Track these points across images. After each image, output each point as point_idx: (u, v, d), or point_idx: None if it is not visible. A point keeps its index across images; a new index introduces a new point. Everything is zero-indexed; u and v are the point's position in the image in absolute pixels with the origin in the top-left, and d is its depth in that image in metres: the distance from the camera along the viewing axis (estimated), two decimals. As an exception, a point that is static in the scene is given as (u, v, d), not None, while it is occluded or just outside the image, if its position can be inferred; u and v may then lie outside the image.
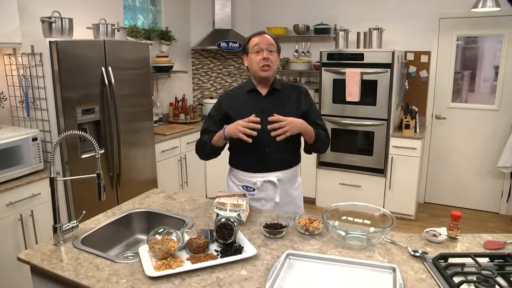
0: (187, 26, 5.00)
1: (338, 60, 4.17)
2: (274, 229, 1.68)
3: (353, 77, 4.06)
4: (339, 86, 4.19)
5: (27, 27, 2.88)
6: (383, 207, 1.97)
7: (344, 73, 4.11)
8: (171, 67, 4.44)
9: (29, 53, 2.76)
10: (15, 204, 2.52)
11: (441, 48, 4.35)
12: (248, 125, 1.84)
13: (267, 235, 1.69)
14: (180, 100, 4.74)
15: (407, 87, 4.44)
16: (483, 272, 1.34)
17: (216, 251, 1.54)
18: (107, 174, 3.14)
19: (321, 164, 4.45)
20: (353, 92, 4.09)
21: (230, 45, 4.76)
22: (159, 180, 3.71)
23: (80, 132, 1.69)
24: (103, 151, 3.09)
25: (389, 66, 3.94)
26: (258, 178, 2.04)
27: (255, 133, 1.84)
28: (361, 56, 4.05)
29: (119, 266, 1.47)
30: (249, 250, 1.52)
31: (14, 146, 2.60)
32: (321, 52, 4.26)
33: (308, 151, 2.13)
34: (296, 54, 5.01)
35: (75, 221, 1.71)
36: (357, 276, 1.38)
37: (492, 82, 4.25)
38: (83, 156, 2.93)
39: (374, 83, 4.04)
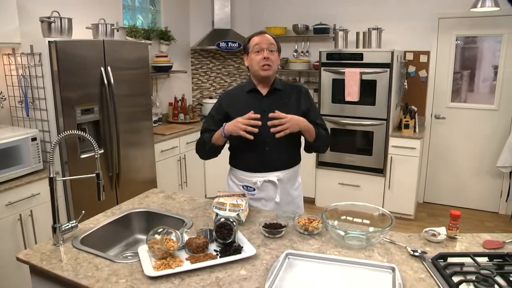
0: (187, 26, 5.00)
1: (338, 60, 4.17)
2: (273, 229, 1.69)
3: (352, 77, 4.06)
4: (338, 86, 4.19)
5: (26, 27, 2.88)
6: (382, 207, 1.97)
7: (344, 73, 4.11)
8: (171, 67, 4.44)
9: (28, 53, 2.76)
10: (14, 204, 2.52)
11: (440, 48, 4.35)
12: (249, 122, 1.84)
13: (267, 235, 1.69)
14: (180, 100, 4.74)
15: (406, 87, 4.44)
16: (482, 271, 1.34)
17: (215, 251, 1.54)
18: (106, 174, 3.14)
19: (320, 164, 4.45)
20: (352, 92, 4.09)
21: (229, 45, 4.76)
22: (159, 180, 3.71)
23: (80, 132, 1.69)
24: (102, 151, 3.09)
25: (388, 66, 3.95)
26: (258, 178, 2.04)
27: (256, 129, 1.85)
28: (360, 56, 4.06)
29: (119, 266, 1.47)
30: (248, 250, 1.53)
31: (14, 146, 2.60)
32: (320, 52, 4.26)
33: (308, 149, 2.13)
34: (295, 54, 5.02)
35: (74, 221, 1.71)
36: (356, 275, 1.38)
37: (491, 82, 4.25)
38: (83, 156, 2.93)
39: (373, 83, 4.04)
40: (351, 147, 4.28)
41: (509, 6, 3.86)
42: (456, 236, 1.65)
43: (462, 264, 1.43)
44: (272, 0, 5.07)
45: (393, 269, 1.38)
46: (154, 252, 1.48)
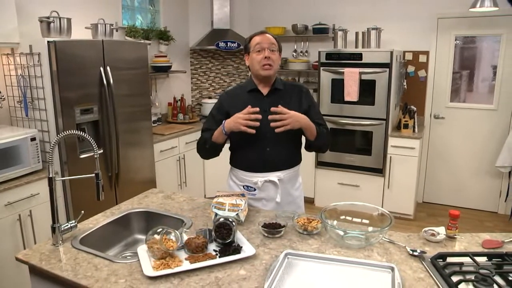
0: (186, 26, 5.00)
1: (337, 60, 4.17)
2: (272, 229, 1.69)
3: (351, 77, 4.06)
4: (337, 86, 4.19)
5: (25, 27, 2.88)
6: (382, 207, 1.97)
7: (343, 73, 4.11)
8: (170, 67, 4.43)
9: (28, 53, 2.76)
10: (13, 204, 2.51)
11: (439, 48, 4.35)
12: (249, 117, 1.84)
13: (266, 234, 1.69)
14: (179, 100, 4.74)
15: (405, 86, 4.44)
16: (481, 271, 1.34)
17: (214, 250, 1.54)
18: (105, 174, 3.13)
19: (319, 164, 4.45)
20: (351, 91, 4.09)
21: (228, 45, 4.76)
22: (158, 180, 3.71)
23: (79, 132, 1.69)
24: (101, 151, 3.09)
25: (387, 66, 3.95)
26: (259, 178, 2.04)
27: (257, 123, 1.85)
28: (359, 56, 4.06)
29: (118, 266, 1.47)
30: (247, 249, 1.53)
31: (13, 146, 2.59)
32: (319, 52, 4.26)
33: (309, 148, 2.12)
34: (294, 54, 5.02)
35: (73, 221, 1.71)
36: (355, 275, 1.38)
37: (490, 82, 4.26)
38: (82, 156, 2.93)
39: (372, 83, 4.04)
40: (350, 147, 4.28)
41: (509, 6, 3.86)
42: (455, 236, 1.65)
43: (461, 264, 1.43)
44: (271, 0, 5.07)
45: (392, 269, 1.38)
46: (153, 252, 1.48)
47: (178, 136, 4.10)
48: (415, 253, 1.52)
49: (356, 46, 4.32)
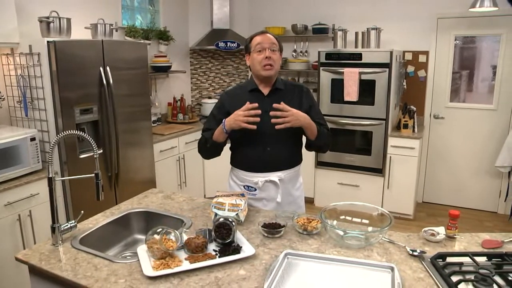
0: (185, 26, 5.00)
1: (336, 60, 4.17)
2: (272, 229, 1.69)
3: (351, 77, 4.06)
4: (337, 86, 4.19)
5: (25, 27, 2.88)
6: (382, 207, 1.97)
7: (342, 73, 4.11)
8: (169, 67, 4.43)
9: (27, 53, 2.76)
10: (13, 204, 2.51)
11: (439, 48, 4.35)
12: (249, 113, 1.84)
13: (266, 234, 1.69)
14: (179, 100, 4.74)
15: (405, 86, 4.44)
16: (481, 271, 1.34)
17: (214, 250, 1.54)
18: (105, 174, 3.13)
19: (319, 164, 4.45)
20: (351, 91, 4.09)
21: (228, 45, 4.76)
22: (158, 180, 3.71)
23: (78, 132, 1.69)
24: (101, 151, 3.09)
25: (387, 65, 3.95)
26: (259, 178, 2.04)
27: (257, 119, 1.85)
28: (359, 56, 4.06)
29: (118, 266, 1.47)
30: (247, 249, 1.53)
31: (12, 146, 2.59)
32: (319, 52, 4.26)
33: (309, 147, 2.11)
34: (294, 54, 5.02)
35: (73, 221, 1.71)
36: (355, 275, 1.38)
37: (490, 82, 4.26)
38: (82, 156, 2.93)
39: (372, 83, 4.04)
40: (350, 147, 4.28)
41: (509, 6, 3.86)
42: (455, 236, 1.65)
43: (461, 264, 1.43)
44: (271, 0, 5.07)
45: (392, 269, 1.38)
46: (153, 252, 1.48)
47: (178, 136, 4.10)
48: (415, 253, 1.52)
49: (356, 46, 4.32)
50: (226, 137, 1.99)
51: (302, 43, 4.97)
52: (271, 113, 1.85)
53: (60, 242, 1.63)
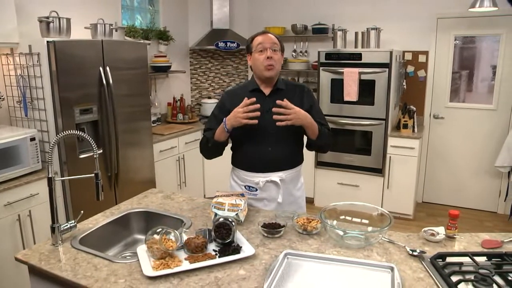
0: (185, 26, 5.00)
1: (336, 60, 4.17)
2: (272, 229, 1.69)
3: (351, 77, 4.06)
4: (337, 86, 4.19)
5: (24, 27, 2.87)
6: (381, 207, 1.97)
7: (342, 73, 4.11)
8: (169, 67, 4.43)
9: (27, 53, 2.76)
10: (13, 204, 2.51)
11: (439, 47, 4.36)
12: (248, 108, 1.84)
13: (265, 234, 1.69)
14: (178, 100, 4.74)
15: (405, 86, 4.44)
16: (481, 271, 1.34)
17: (214, 250, 1.54)
18: (105, 174, 3.13)
19: (319, 164, 4.45)
20: (351, 91, 4.09)
21: (228, 45, 4.76)
22: (157, 180, 3.71)
23: (78, 132, 1.69)
24: (101, 151, 3.09)
25: (387, 65, 3.95)
26: (260, 178, 2.04)
27: (258, 113, 1.84)
28: (359, 56, 4.06)
29: (117, 266, 1.47)
30: (247, 249, 1.53)
31: (12, 146, 2.59)
32: (319, 52, 4.26)
33: (310, 147, 2.11)
34: (294, 54, 5.02)
35: (73, 221, 1.71)
36: (355, 275, 1.38)
37: (489, 82, 4.26)
38: (81, 156, 2.93)
39: (372, 83, 4.04)
40: (350, 147, 4.28)
41: (509, 6, 3.86)
42: (454, 236, 1.65)
43: (460, 264, 1.43)
44: (270, 0, 5.07)
45: (392, 269, 1.38)
46: (153, 252, 1.48)
47: (178, 136, 4.10)
48: (415, 253, 1.52)
49: (356, 46, 4.32)
50: (227, 136, 1.99)
51: (302, 43, 4.97)
52: (274, 109, 1.85)
53: (60, 242, 1.63)
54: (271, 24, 4.94)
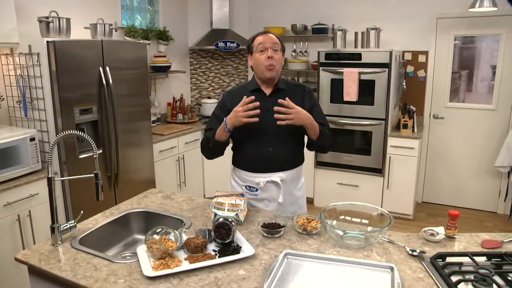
0: (185, 26, 5.00)
1: (336, 60, 4.17)
2: (272, 229, 1.69)
3: (351, 77, 4.07)
4: (337, 86, 4.19)
5: (24, 27, 2.87)
6: (381, 207, 1.97)
7: (342, 73, 4.11)
8: (169, 67, 4.43)
9: (27, 53, 2.76)
10: (12, 204, 2.51)
11: (438, 47, 4.36)
12: (247, 107, 1.84)
13: (265, 234, 1.69)
14: (178, 100, 4.74)
15: (405, 86, 4.44)
16: (481, 271, 1.34)
17: (214, 251, 1.54)
18: (105, 174, 3.13)
19: (319, 164, 4.45)
20: (351, 91, 4.09)
21: (228, 45, 4.76)
22: (157, 180, 3.71)
23: (78, 132, 1.69)
24: (101, 151, 3.09)
25: (386, 65, 3.95)
26: (261, 178, 2.04)
27: (258, 111, 1.84)
28: (358, 56, 4.06)
29: (117, 266, 1.47)
30: (247, 249, 1.53)
31: (12, 146, 2.59)
32: (319, 52, 4.26)
33: (310, 147, 2.11)
34: (294, 54, 5.02)
35: (73, 221, 1.71)
36: (355, 275, 1.38)
37: (489, 82, 4.26)
38: (81, 156, 2.93)
39: (372, 83, 4.04)
40: (349, 147, 4.28)
41: (509, 6, 3.86)
42: (454, 236, 1.65)
43: (460, 264, 1.43)
44: (270, 0, 5.07)
45: (391, 269, 1.38)
46: (152, 252, 1.48)
47: (178, 136, 4.09)
48: (415, 253, 1.52)
49: (356, 46, 4.32)
50: (228, 135, 1.99)
51: (301, 43, 4.97)
52: (275, 108, 1.85)
53: (59, 242, 1.63)
54: (271, 24, 4.94)
